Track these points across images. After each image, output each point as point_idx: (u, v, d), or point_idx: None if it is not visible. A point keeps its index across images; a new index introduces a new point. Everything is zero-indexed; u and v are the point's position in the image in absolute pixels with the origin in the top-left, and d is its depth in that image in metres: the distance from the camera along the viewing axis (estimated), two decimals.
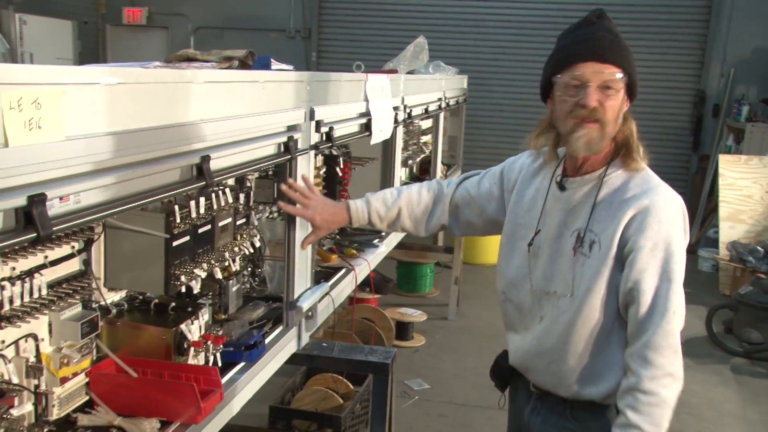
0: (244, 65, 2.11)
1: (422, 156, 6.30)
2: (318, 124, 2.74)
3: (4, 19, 8.81)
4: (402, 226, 2.36)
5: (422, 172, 6.40)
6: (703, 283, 7.54)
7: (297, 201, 2.24)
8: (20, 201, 1.23)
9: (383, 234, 4.22)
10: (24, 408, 1.64)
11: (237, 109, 2.01)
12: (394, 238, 4.44)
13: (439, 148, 6.15)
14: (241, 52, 2.09)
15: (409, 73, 5.28)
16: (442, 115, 6.03)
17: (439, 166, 6.17)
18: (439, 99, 5.71)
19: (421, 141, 6.23)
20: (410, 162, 6.03)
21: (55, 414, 1.89)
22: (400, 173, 5.72)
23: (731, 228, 7.33)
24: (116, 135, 1.47)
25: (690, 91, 9.53)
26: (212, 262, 2.24)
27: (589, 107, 1.85)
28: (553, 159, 2.06)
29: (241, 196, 2.47)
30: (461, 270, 6.40)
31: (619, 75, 1.88)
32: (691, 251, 8.62)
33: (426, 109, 5.10)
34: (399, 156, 4.47)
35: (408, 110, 4.47)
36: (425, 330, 5.90)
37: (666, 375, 1.85)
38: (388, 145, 4.28)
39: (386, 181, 4.32)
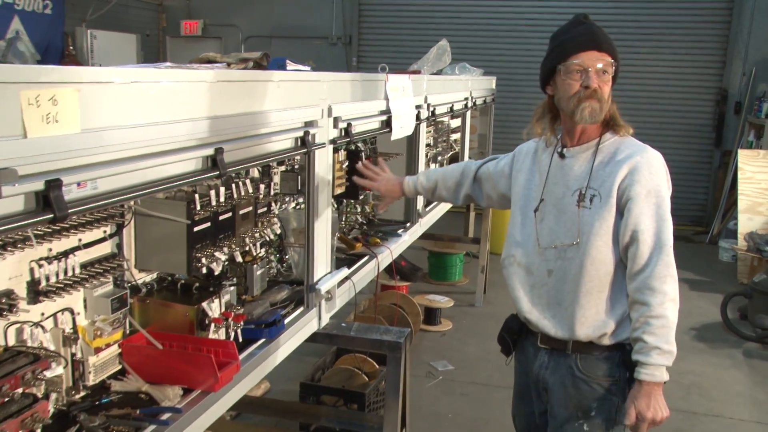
0: (258, 66, 2.17)
1: (451, 153, 6.31)
2: (336, 121, 2.78)
3: (78, 34, 9.11)
4: (440, 195, 2.78)
5: None
6: (722, 273, 7.39)
7: (368, 176, 2.83)
8: (39, 185, 1.31)
9: (407, 224, 4.26)
10: (56, 371, 1.72)
11: (251, 105, 2.07)
12: (419, 228, 4.47)
13: (467, 146, 6.14)
14: (256, 54, 2.16)
15: (435, 73, 5.30)
16: (468, 113, 6.03)
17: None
18: (465, 98, 5.70)
19: (451, 139, 6.25)
20: (439, 158, 6.04)
21: (92, 380, 1.99)
22: (429, 169, 5.76)
23: (749, 220, 7.16)
24: (130, 128, 1.54)
25: (712, 89, 9.33)
26: (233, 246, 2.31)
27: (591, 88, 2.13)
28: (552, 137, 2.34)
29: (261, 187, 2.53)
30: (488, 260, 6.40)
31: (611, 61, 2.16)
32: (713, 242, 8.45)
33: (451, 108, 5.11)
34: (423, 151, 4.49)
35: (432, 109, 4.48)
36: (453, 316, 5.91)
37: (670, 300, 2.06)
38: (413, 140, 4.30)
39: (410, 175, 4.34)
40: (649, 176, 2.12)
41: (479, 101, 6.36)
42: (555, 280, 2.23)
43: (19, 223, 1.27)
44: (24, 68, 1.29)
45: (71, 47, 8.90)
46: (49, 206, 1.32)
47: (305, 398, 3.85)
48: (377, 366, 4.10)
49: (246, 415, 3.80)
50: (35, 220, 1.31)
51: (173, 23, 11.27)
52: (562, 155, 2.27)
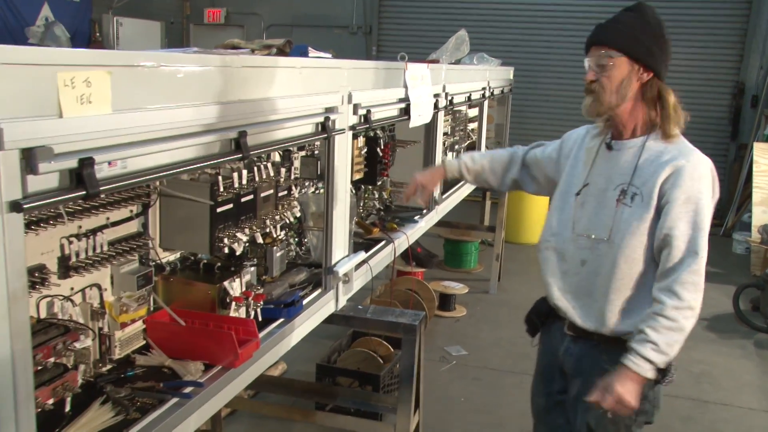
0: (281, 52, 2.19)
1: (468, 142, 6.31)
2: (355, 107, 2.81)
3: (104, 21, 9.21)
4: (485, 179, 2.69)
5: None
6: (736, 265, 7.34)
7: (417, 193, 2.66)
8: (72, 163, 1.35)
9: (423, 211, 4.29)
10: (85, 343, 1.77)
11: (273, 91, 2.10)
12: (435, 215, 4.49)
13: (483, 134, 6.14)
14: (279, 41, 2.18)
15: (454, 63, 5.30)
16: (486, 103, 6.02)
17: (483, 151, 6.16)
18: (483, 88, 5.70)
19: (468, 128, 6.25)
20: (456, 147, 6.05)
21: (117, 353, 2.04)
22: (446, 157, 5.78)
23: (764, 213, 7.12)
24: (159, 110, 1.58)
25: (730, 82, 9.24)
26: (254, 228, 2.35)
27: (586, 81, 2.16)
28: (606, 126, 2.29)
29: (282, 171, 2.56)
30: (503, 248, 6.40)
31: (606, 53, 2.12)
32: (727, 235, 8.40)
33: (469, 97, 5.11)
34: (440, 139, 4.50)
35: (449, 97, 4.49)
36: (467, 302, 5.94)
37: (688, 308, 2.01)
38: (430, 128, 4.32)
39: (428, 163, 4.36)
40: (691, 182, 2.06)
41: (497, 91, 6.35)
42: (587, 272, 2.22)
43: (54, 199, 1.31)
44: (61, 51, 1.33)
45: (98, 33, 8.99)
46: (82, 183, 1.36)
47: (321, 379, 3.90)
48: (392, 349, 4.14)
49: (264, 394, 3.85)
50: (69, 196, 1.35)
51: (197, 11, 11.33)
52: (609, 146, 2.24)
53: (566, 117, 9.73)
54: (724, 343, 5.27)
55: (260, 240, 2.46)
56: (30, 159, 1.24)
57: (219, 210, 2.13)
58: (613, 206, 2.16)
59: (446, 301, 5.75)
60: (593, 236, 2.20)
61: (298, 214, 2.81)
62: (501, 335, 5.31)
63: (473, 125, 6.28)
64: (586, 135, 2.38)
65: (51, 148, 1.27)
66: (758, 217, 7.13)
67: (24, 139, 1.22)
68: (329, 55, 2.63)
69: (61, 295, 1.80)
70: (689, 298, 2.01)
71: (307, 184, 2.98)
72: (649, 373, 2.01)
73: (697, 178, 2.07)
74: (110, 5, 9.50)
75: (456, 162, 2.68)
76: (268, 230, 2.50)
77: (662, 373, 2.11)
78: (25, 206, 1.23)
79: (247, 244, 2.41)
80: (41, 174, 1.26)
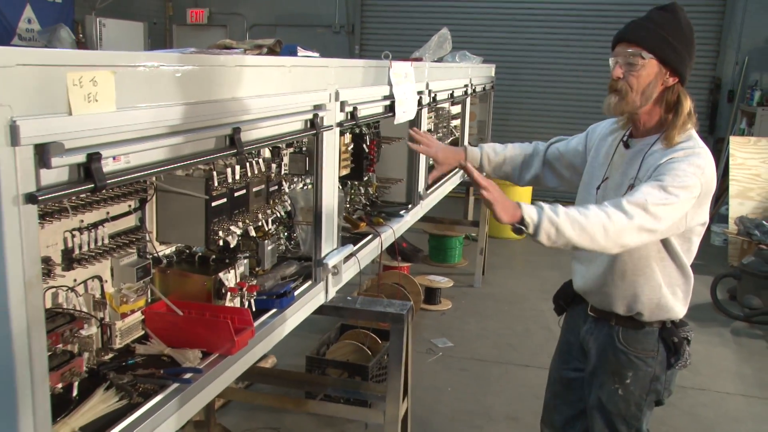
0: (272, 52, 2.28)
1: (451, 138, 6.42)
2: (342, 105, 2.90)
3: (87, 22, 9.24)
4: (505, 172, 2.76)
5: None
6: (714, 256, 7.52)
7: (421, 142, 2.70)
8: (81, 158, 1.43)
9: (408, 206, 4.39)
10: (90, 331, 1.85)
11: (265, 89, 2.19)
12: (420, 210, 4.59)
13: (466, 131, 6.25)
14: (270, 41, 2.27)
15: (437, 61, 5.40)
16: (468, 100, 6.13)
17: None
18: (465, 85, 5.81)
19: (451, 125, 6.36)
20: None
21: (118, 343, 2.12)
22: (467, 145, 5.87)
23: (740, 204, 7.30)
24: (159, 108, 1.66)
25: (706, 77, 9.44)
26: (246, 221, 2.44)
27: (612, 78, 2.19)
28: (625, 124, 2.37)
29: (273, 167, 2.65)
30: (487, 242, 6.53)
31: (637, 53, 2.14)
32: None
33: (451, 94, 5.22)
34: None
35: (432, 95, 4.59)
36: (453, 296, 6.05)
37: (606, 214, 1.99)
38: (415, 125, 4.41)
39: (413, 159, 4.46)
40: (678, 163, 2.08)
41: (479, 88, 6.47)
42: (602, 260, 2.33)
43: (65, 192, 1.39)
44: (70, 52, 1.41)
45: (81, 35, 8.99)
46: (90, 177, 1.45)
47: (311, 371, 3.99)
48: (380, 341, 4.24)
49: (257, 385, 3.94)
50: (78, 189, 1.43)
51: (179, 11, 11.37)
52: (627, 145, 2.31)
53: (547, 113, 9.89)
54: (702, 331, 5.43)
55: (253, 233, 2.55)
56: (43, 154, 1.32)
57: (214, 204, 2.21)
58: None
59: (432, 294, 5.86)
60: None
61: (289, 209, 2.90)
62: (486, 327, 5.43)
63: (456, 122, 6.39)
64: (609, 129, 2.45)
65: (62, 144, 1.35)
66: (735, 209, 7.31)
67: (37, 135, 1.30)
68: (317, 55, 2.73)
69: (66, 286, 1.88)
70: (620, 212, 1.99)
71: (295, 180, 3.06)
72: (526, 218, 1.97)
73: (687, 163, 2.08)
74: (93, 6, 9.51)
75: (477, 151, 2.73)
76: (260, 224, 2.58)
77: (676, 356, 2.29)
78: (39, 198, 1.31)
79: (240, 238, 2.50)
80: (53, 168, 1.34)
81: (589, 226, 1.98)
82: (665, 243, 2.24)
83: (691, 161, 2.10)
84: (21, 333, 1.31)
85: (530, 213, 1.98)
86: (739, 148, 7.58)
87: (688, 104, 2.22)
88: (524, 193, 8.10)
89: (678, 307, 2.32)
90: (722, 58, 9.28)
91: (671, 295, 2.30)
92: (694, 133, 2.22)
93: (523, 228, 1.99)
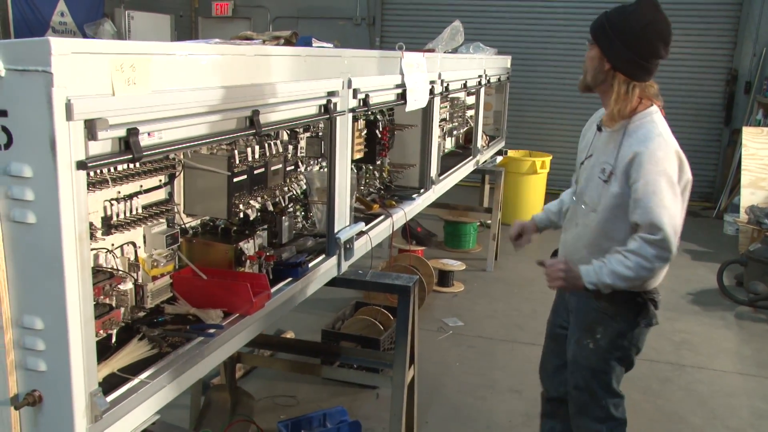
0: (288, 43, 2.52)
1: (466, 128, 6.63)
2: (355, 92, 3.13)
3: (116, 15, 9.57)
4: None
5: (467, 142, 6.73)
6: (725, 244, 7.66)
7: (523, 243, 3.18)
8: (122, 132, 1.68)
9: (421, 190, 4.61)
10: (127, 286, 2.11)
11: (281, 76, 2.43)
12: (432, 195, 4.80)
13: (480, 121, 6.44)
14: (287, 33, 2.50)
15: (450, 52, 5.60)
16: (482, 90, 6.32)
17: (480, 137, 6.47)
18: (479, 76, 6.00)
19: (467, 115, 6.56)
20: (455, 133, 6.38)
21: (149, 303, 2.37)
22: (444, 142, 6.09)
23: (752, 194, 7.41)
24: (188, 91, 1.91)
25: (723, 69, 9.52)
26: (265, 197, 2.68)
27: None
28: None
29: (290, 148, 2.89)
30: (500, 228, 6.73)
31: (589, 39, 2.56)
32: (720, 217, 8.69)
33: (464, 84, 5.42)
34: (437, 123, 4.81)
35: (445, 84, 4.80)
36: (465, 279, 6.27)
37: (639, 258, 2.43)
38: (427, 113, 4.63)
39: (425, 144, 4.68)
40: (649, 166, 2.41)
41: (494, 79, 6.65)
42: (577, 232, 2.72)
43: (109, 160, 1.65)
44: (112, 43, 1.66)
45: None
46: (129, 149, 1.70)
47: (326, 343, 4.24)
48: (392, 318, 4.48)
49: (277, 355, 4.21)
50: (119, 159, 1.68)
51: (205, 4, 11.66)
52: (599, 128, 2.67)
53: (564, 105, 10.02)
54: (706, 314, 5.60)
55: (270, 208, 2.79)
56: (91, 128, 1.57)
57: (235, 180, 2.46)
58: (599, 182, 2.57)
59: (445, 277, 6.09)
60: (585, 203, 2.66)
61: (304, 187, 3.14)
62: (496, 308, 5.64)
63: (471, 112, 6.59)
64: (596, 117, 2.79)
65: (107, 120, 1.60)
66: (746, 199, 7.43)
67: (87, 112, 1.55)
68: (331, 45, 2.96)
69: (105, 249, 2.13)
70: (644, 253, 2.40)
71: (312, 162, 3.30)
72: (588, 286, 2.50)
73: (655, 163, 2.40)
74: None
75: (543, 214, 3.16)
76: (277, 200, 2.83)
77: (641, 315, 2.60)
78: (89, 165, 1.57)
79: (258, 213, 2.75)
80: (99, 140, 1.59)
81: (629, 279, 2.45)
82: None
83: (651, 159, 2.42)
84: (73, 277, 1.57)
85: (590, 280, 2.51)
86: (751, 138, 7.68)
87: (620, 89, 2.49)
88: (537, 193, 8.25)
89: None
90: (739, 49, 9.35)
91: None
92: (652, 116, 2.52)
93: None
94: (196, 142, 1.98)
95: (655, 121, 2.51)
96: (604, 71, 2.53)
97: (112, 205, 2.15)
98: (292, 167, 2.93)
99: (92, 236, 2.04)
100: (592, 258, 2.56)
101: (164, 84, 1.82)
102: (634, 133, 2.50)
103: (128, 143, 1.70)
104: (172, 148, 1.88)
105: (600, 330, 2.65)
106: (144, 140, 1.77)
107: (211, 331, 2.26)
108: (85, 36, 8.66)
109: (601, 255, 2.54)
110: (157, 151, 1.82)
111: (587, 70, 2.60)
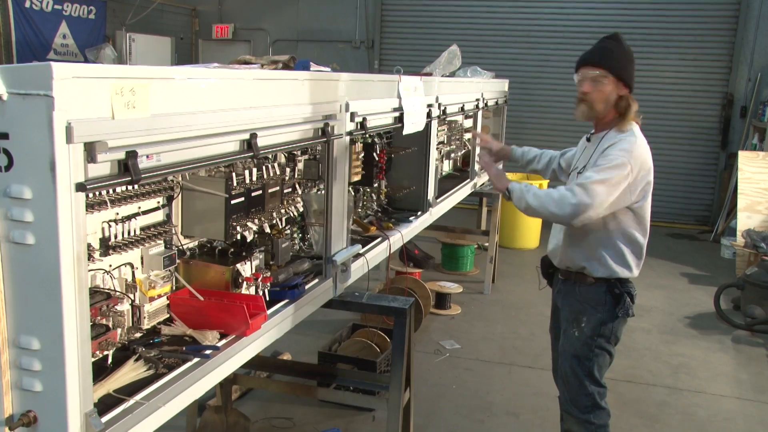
0: (286, 67, 2.56)
1: (464, 151, 6.66)
2: (352, 115, 3.16)
3: (118, 37, 9.67)
4: (534, 167, 3.68)
5: (464, 164, 6.77)
6: (722, 268, 7.67)
7: (482, 139, 3.78)
8: (121, 155, 1.71)
9: (418, 213, 4.63)
10: (124, 307, 2.12)
11: (279, 99, 2.46)
12: (429, 218, 4.83)
13: (478, 144, 6.47)
14: (284, 57, 2.55)
15: (448, 76, 5.66)
16: (480, 114, 6.38)
17: (477, 160, 6.49)
18: (477, 99, 6.05)
19: (464, 138, 6.60)
20: (453, 155, 6.41)
21: (146, 324, 2.38)
22: (442, 165, 6.12)
23: (748, 218, 7.44)
24: (187, 114, 1.94)
25: (719, 93, 9.60)
26: (262, 219, 2.70)
27: (581, 92, 2.96)
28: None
29: (288, 171, 2.92)
30: (497, 251, 6.75)
31: (602, 74, 2.88)
32: (717, 241, 8.71)
33: (462, 108, 5.47)
34: (434, 146, 4.85)
35: (443, 108, 4.85)
36: (462, 302, 6.28)
37: (557, 194, 2.85)
38: (425, 137, 4.67)
39: (424, 167, 4.71)
40: (618, 152, 2.81)
41: (491, 102, 6.70)
42: (558, 230, 3.14)
43: (108, 182, 1.67)
44: (113, 67, 1.69)
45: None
46: (128, 171, 1.72)
47: (323, 365, 4.24)
48: (389, 340, 4.48)
49: (277, 376, 4.20)
50: (118, 181, 1.71)
51: (205, 27, 11.79)
52: (588, 139, 3.10)
53: (561, 127, 10.10)
54: (703, 338, 5.60)
55: (268, 230, 2.81)
56: (91, 151, 1.60)
57: (233, 202, 2.48)
58: (575, 174, 3.02)
59: (442, 300, 6.09)
60: None
61: (301, 210, 3.17)
62: (493, 331, 5.64)
63: (469, 135, 6.63)
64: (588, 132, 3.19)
65: (106, 143, 1.63)
66: (743, 222, 7.46)
67: (87, 135, 1.58)
68: (329, 69, 3.00)
69: (103, 269, 2.15)
70: (566, 198, 2.79)
71: (309, 184, 3.33)
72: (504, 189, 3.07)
73: (617, 149, 2.82)
74: (123, 22, 9.94)
75: (519, 150, 3.71)
76: (274, 222, 2.85)
77: (619, 306, 2.95)
78: (88, 187, 1.59)
79: (256, 234, 2.77)
80: (99, 162, 1.62)
81: (543, 195, 2.87)
82: (612, 216, 2.89)
83: (620, 146, 2.83)
84: (70, 298, 1.59)
85: (512, 185, 3.02)
86: (747, 162, 7.73)
87: (635, 107, 2.94)
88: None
89: (619, 267, 2.95)
90: (735, 74, 9.44)
91: (610, 257, 2.94)
92: (635, 127, 2.94)
93: (506, 193, 3.03)
94: (194, 165, 2.01)
95: (635, 134, 2.92)
96: (618, 96, 2.92)
97: (110, 226, 2.17)
98: (290, 189, 2.96)
99: (90, 257, 2.06)
100: (567, 240, 3.03)
101: (163, 107, 1.85)
102: (613, 140, 2.90)
103: (127, 165, 1.73)
104: (171, 170, 1.91)
105: (584, 319, 3.00)
106: (143, 163, 1.79)
107: (208, 352, 2.27)
108: (86, 59, 8.74)
109: (573, 240, 3.00)
110: (155, 173, 1.85)
111: (596, 101, 2.92)
